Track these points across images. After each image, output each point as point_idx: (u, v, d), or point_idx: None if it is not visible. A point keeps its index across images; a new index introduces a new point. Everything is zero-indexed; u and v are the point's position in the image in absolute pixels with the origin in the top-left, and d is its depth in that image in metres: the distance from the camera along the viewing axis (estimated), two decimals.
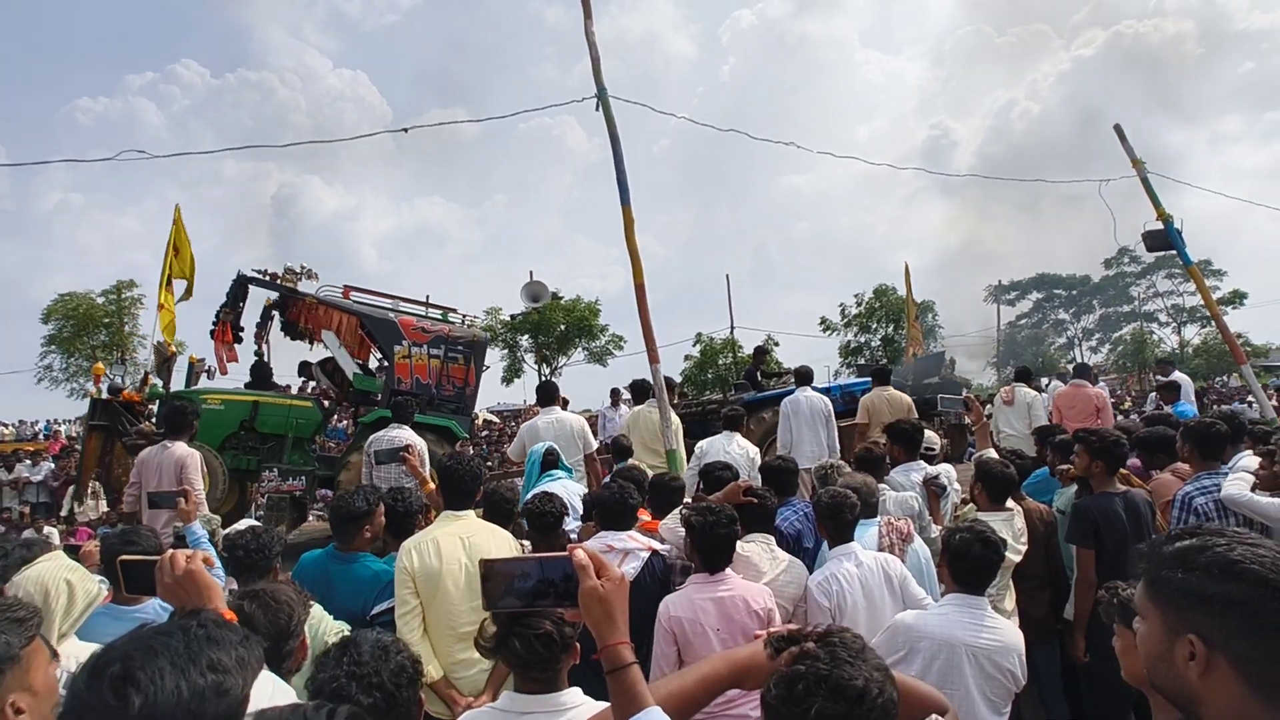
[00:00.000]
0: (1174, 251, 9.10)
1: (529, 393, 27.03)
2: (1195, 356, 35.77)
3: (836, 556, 2.90)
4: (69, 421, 23.81)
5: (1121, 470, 4.01)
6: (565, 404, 7.60)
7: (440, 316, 8.66)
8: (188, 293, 8.34)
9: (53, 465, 13.32)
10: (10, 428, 22.11)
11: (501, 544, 3.04)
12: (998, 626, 2.45)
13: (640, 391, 6.61)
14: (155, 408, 7.77)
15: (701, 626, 2.54)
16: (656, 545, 3.08)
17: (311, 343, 8.73)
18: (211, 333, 8.09)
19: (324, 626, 2.59)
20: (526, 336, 24.61)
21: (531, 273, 18.04)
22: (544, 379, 5.87)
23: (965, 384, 14.86)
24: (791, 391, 7.08)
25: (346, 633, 2.70)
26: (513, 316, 23.22)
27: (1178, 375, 8.66)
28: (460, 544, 2.92)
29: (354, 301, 8.21)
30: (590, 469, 5.58)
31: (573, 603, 1.24)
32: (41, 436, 21.07)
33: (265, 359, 8.70)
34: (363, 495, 3.22)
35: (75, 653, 2.11)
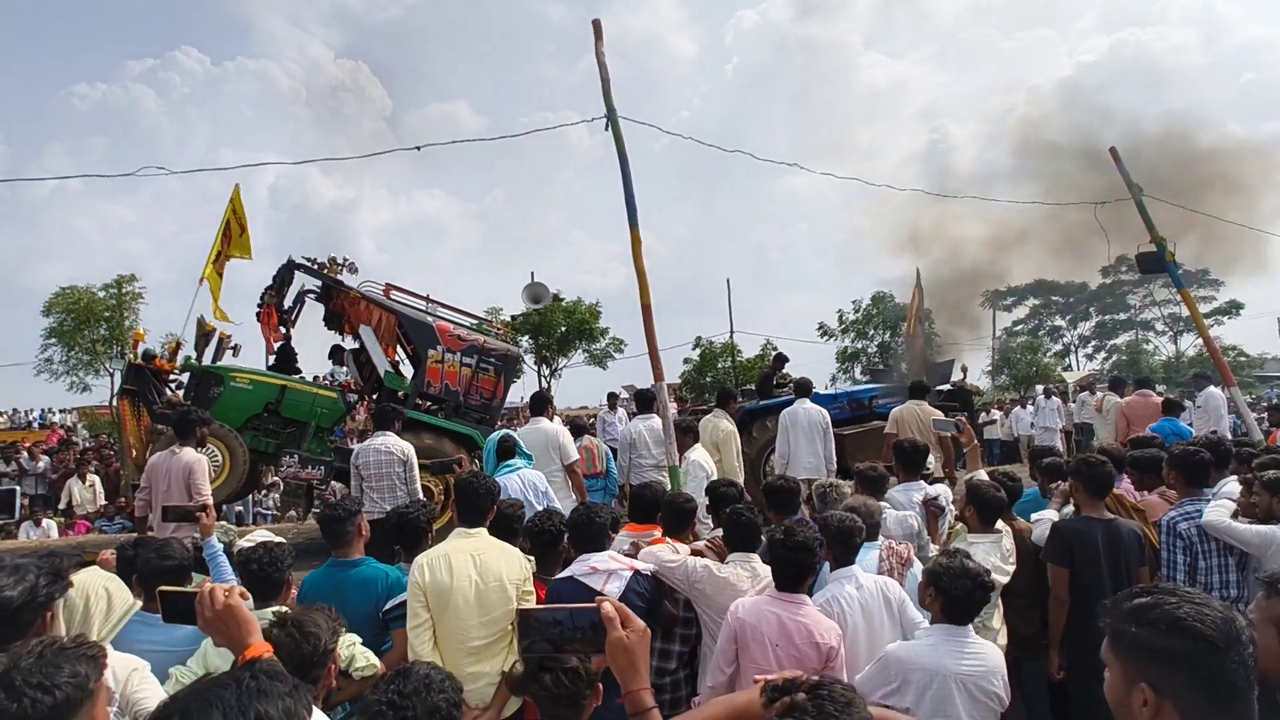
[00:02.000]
0: (1165, 274, 9.24)
1: (528, 393, 27.09)
2: (1191, 367, 35.94)
3: (838, 579, 3.00)
4: (64, 411, 23.85)
5: (1115, 492, 4.12)
6: (553, 414, 7.61)
7: (476, 326, 8.76)
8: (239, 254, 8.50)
9: (49, 458, 13.40)
10: (4, 415, 22.16)
11: (511, 561, 3.12)
12: (981, 651, 2.56)
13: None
14: (186, 379, 7.90)
15: (761, 635, 2.67)
16: (639, 565, 3.15)
17: (343, 335, 8.83)
18: (257, 315, 8.19)
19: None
20: (527, 338, 24.66)
21: (533, 274, 18.15)
22: (538, 388, 5.90)
23: (977, 392, 14.87)
24: (790, 402, 7.17)
25: (358, 645, 2.82)
26: (513, 317, 23.31)
27: (1212, 390, 8.73)
28: (471, 561, 3.02)
29: (394, 301, 8.31)
30: (572, 480, 5.66)
31: (599, 650, 1.36)
32: (36, 426, 21.13)
33: (290, 342, 8.80)
34: (344, 503, 3.46)
35: (111, 663, 2.21)
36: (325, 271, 8.19)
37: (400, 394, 8.12)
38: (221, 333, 8.80)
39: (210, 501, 5.06)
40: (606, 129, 5.82)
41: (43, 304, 23.13)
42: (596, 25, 5.85)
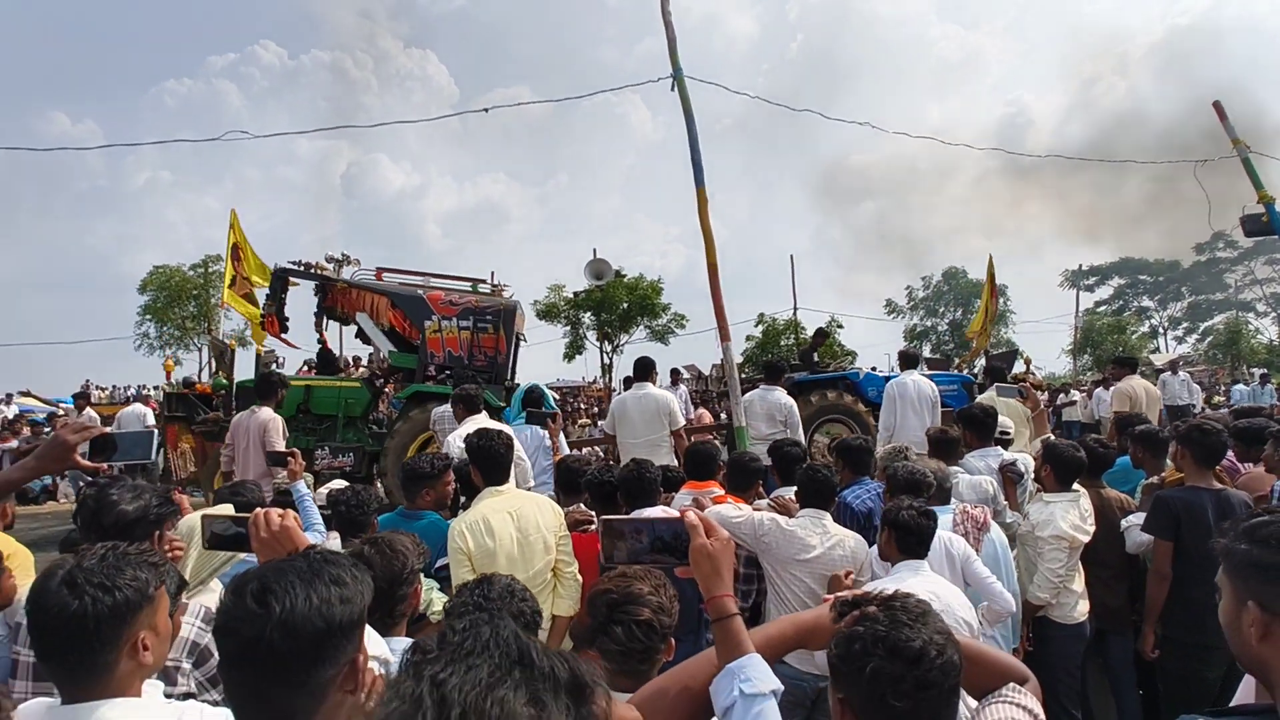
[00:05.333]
0: (1275, 236, 8.53)
1: (590, 370, 27.37)
2: None
3: None
4: (156, 388, 25.41)
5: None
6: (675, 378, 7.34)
7: (470, 288, 8.91)
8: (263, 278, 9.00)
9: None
10: (105, 391, 23.74)
11: (545, 511, 3.11)
12: (938, 591, 2.44)
13: (773, 373, 6.68)
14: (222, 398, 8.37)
15: None
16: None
17: (346, 324, 9.23)
18: (261, 324, 8.64)
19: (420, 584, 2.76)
20: (589, 314, 24.84)
21: (595, 250, 18.15)
22: (641, 355, 5.78)
23: (1040, 387, 14.32)
24: (872, 377, 6.89)
25: (436, 590, 2.89)
26: (576, 294, 23.48)
27: None
28: (509, 519, 2.99)
29: (384, 282, 8.59)
30: (679, 444, 5.70)
31: (681, 559, 1.34)
32: (134, 402, 22.57)
33: (326, 345, 9.30)
34: (429, 460, 3.44)
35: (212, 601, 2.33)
36: (318, 270, 8.54)
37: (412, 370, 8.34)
38: (259, 349, 9.33)
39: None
40: (673, 89, 5.72)
41: (138, 283, 24.72)
42: None
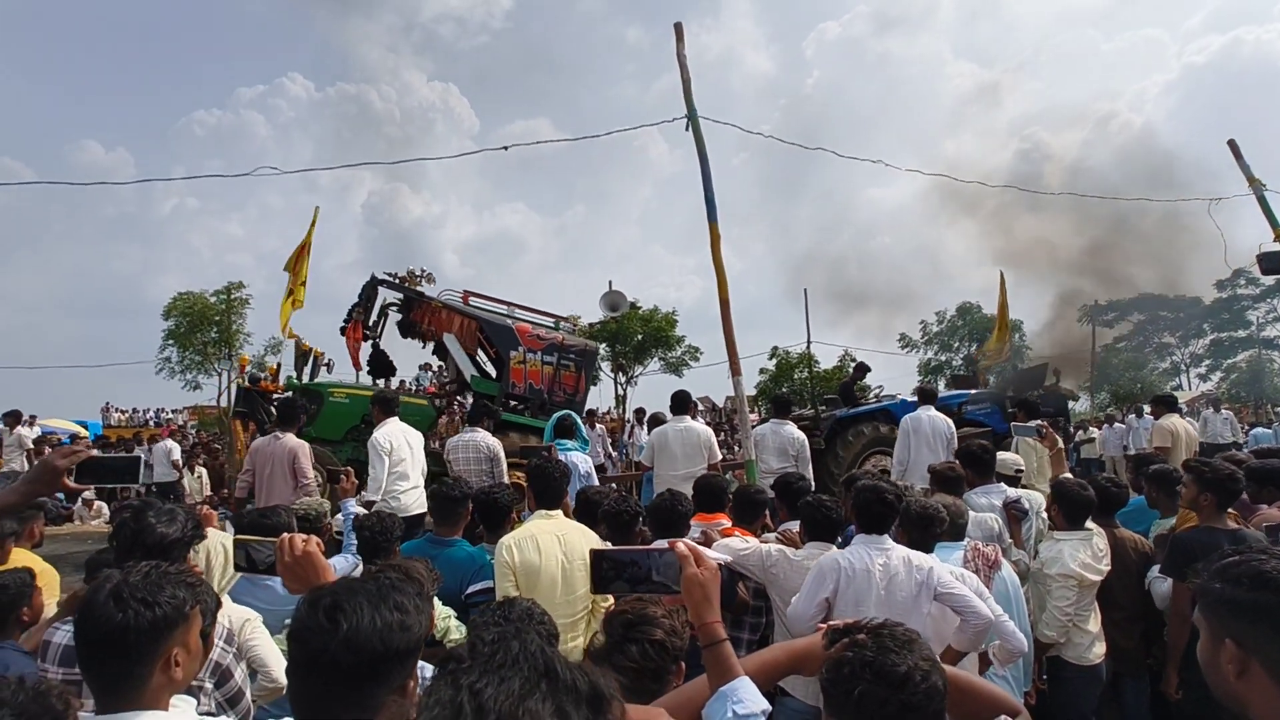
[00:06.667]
0: None
1: (604, 401, 27.42)
2: None
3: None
4: (175, 411, 25.73)
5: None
6: (695, 412, 7.46)
7: (553, 325, 8.99)
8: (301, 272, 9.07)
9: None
10: (125, 413, 24.11)
11: (591, 542, 3.15)
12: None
13: (780, 407, 6.79)
14: (289, 397, 8.46)
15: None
16: (712, 553, 3.14)
17: (424, 343, 9.23)
18: (343, 330, 8.63)
19: (435, 611, 2.82)
20: (604, 345, 24.93)
21: (611, 282, 18.31)
22: (677, 389, 5.80)
23: (1072, 397, 13.93)
24: (913, 408, 6.87)
25: (453, 619, 2.95)
26: (591, 325, 23.61)
27: None
28: (557, 541, 3.06)
29: (474, 307, 8.65)
30: None
31: (674, 588, 1.41)
32: (152, 424, 22.90)
33: (382, 349, 9.20)
34: (459, 485, 3.60)
35: (229, 612, 2.41)
36: (406, 284, 8.61)
37: (493, 397, 8.38)
38: (316, 351, 9.41)
39: (308, 481, 5.42)
40: (687, 129, 5.89)
41: (161, 308, 25.20)
42: (678, 28, 5.97)
